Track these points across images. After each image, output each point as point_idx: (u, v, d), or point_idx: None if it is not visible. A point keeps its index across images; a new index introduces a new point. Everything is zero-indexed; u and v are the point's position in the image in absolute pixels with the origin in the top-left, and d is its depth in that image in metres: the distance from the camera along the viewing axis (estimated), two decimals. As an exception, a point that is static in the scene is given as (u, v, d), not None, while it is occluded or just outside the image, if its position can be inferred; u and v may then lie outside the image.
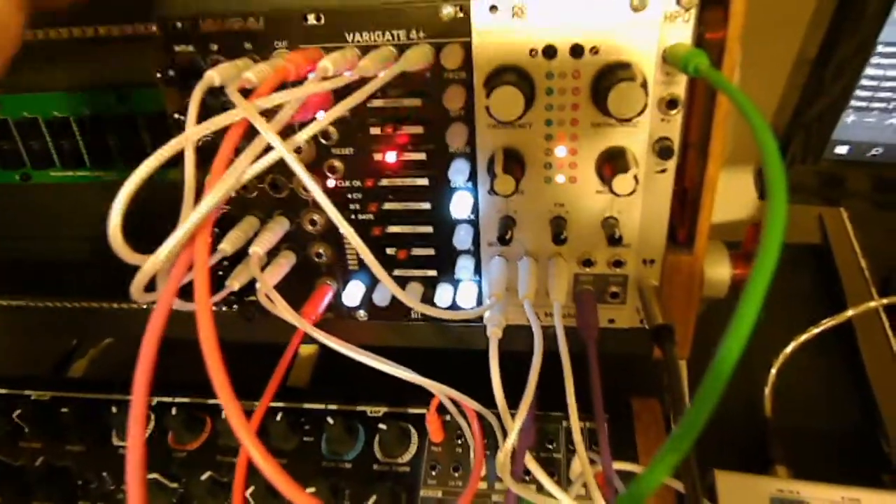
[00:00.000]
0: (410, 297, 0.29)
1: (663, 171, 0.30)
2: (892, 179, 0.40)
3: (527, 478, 0.31)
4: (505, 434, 0.37)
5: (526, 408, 0.26)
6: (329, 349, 0.57)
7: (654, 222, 0.32)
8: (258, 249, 0.31)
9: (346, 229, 0.24)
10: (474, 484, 0.30)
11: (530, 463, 0.27)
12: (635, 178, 0.28)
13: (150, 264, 0.20)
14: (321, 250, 0.36)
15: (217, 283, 0.34)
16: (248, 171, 0.20)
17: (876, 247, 0.55)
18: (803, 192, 0.43)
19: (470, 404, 0.32)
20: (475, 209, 0.33)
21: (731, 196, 0.47)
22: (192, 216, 0.19)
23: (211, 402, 0.47)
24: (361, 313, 0.38)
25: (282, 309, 0.30)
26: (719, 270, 0.35)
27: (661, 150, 0.29)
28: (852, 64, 0.36)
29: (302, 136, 0.22)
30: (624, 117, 0.27)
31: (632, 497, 0.15)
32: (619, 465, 0.37)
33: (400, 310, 0.37)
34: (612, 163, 0.29)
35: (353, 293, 0.36)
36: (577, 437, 0.27)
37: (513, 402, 0.30)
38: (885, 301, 0.49)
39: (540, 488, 0.30)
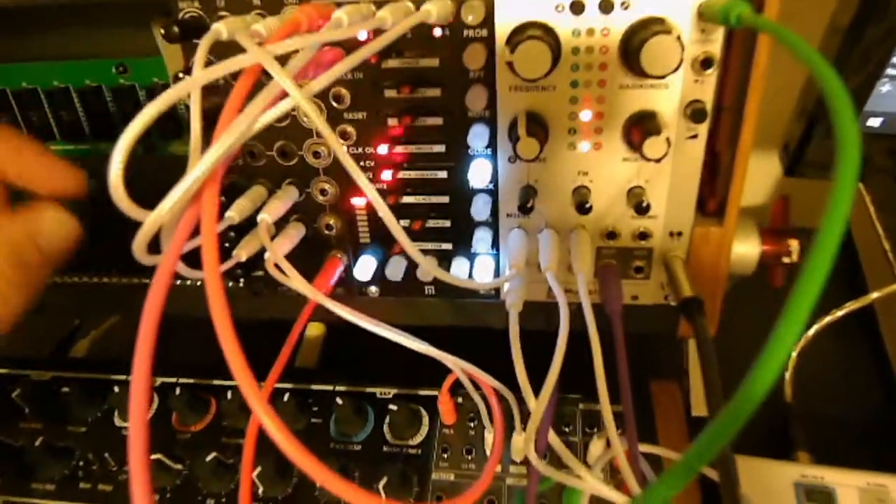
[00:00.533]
0: (430, 263, 0.27)
1: (694, 136, 0.29)
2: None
3: (545, 458, 0.30)
4: (522, 413, 0.36)
5: (554, 379, 0.24)
6: (337, 331, 0.56)
7: (683, 192, 0.30)
8: (266, 217, 0.30)
9: (361, 180, 0.22)
10: (494, 462, 0.29)
11: (553, 440, 0.25)
12: (667, 140, 0.26)
13: (153, 218, 0.18)
14: (331, 222, 0.34)
15: (224, 256, 0.32)
16: (260, 119, 0.18)
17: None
18: (820, 168, 0.41)
19: (488, 380, 0.31)
20: (494, 178, 0.32)
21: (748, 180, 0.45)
22: (199, 165, 0.18)
23: (216, 383, 0.46)
24: (373, 289, 0.37)
25: (294, 278, 0.29)
26: (747, 246, 0.34)
27: (694, 112, 0.28)
28: (892, 32, 0.34)
29: (317, 85, 0.20)
30: (658, 74, 0.25)
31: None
32: (642, 448, 0.35)
33: (413, 285, 0.36)
34: (642, 125, 0.27)
35: (365, 267, 0.35)
36: (607, 414, 0.25)
37: (530, 383, 0.29)
38: (911, 283, 0.47)
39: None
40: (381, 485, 0.38)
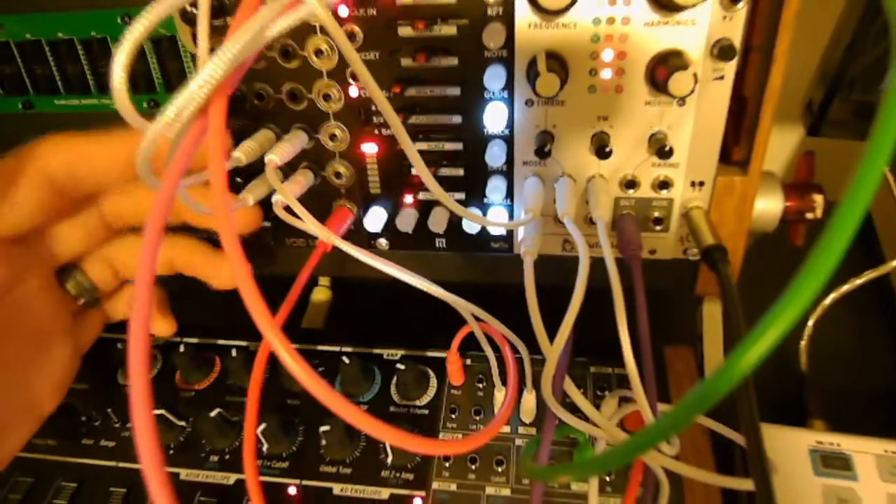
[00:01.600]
0: (451, 200, 0.26)
1: (721, 77, 0.28)
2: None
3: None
4: (535, 373, 0.35)
5: (571, 320, 0.23)
6: (344, 296, 0.55)
7: (708, 138, 0.29)
8: (274, 157, 0.29)
9: (378, 99, 0.21)
10: (507, 410, 0.28)
11: (570, 388, 0.25)
12: (695, 76, 0.25)
13: (156, 127, 0.17)
14: (341, 170, 0.33)
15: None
16: (275, 25, 0.17)
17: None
18: (848, 128, 0.40)
19: (499, 328, 0.30)
20: (510, 124, 0.31)
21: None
22: (207, 68, 0.17)
23: (220, 342, 0.45)
24: (383, 241, 0.36)
25: (306, 219, 0.28)
26: (771, 200, 0.33)
27: (721, 50, 0.26)
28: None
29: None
30: (687, 4, 0.24)
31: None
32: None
33: (424, 238, 0.35)
34: (668, 62, 0.26)
35: (375, 218, 0.34)
36: (629, 359, 0.24)
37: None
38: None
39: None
40: (388, 444, 0.38)
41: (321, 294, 0.54)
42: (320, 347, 0.44)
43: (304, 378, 0.17)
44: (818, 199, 0.33)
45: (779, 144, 0.38)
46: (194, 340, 0.45)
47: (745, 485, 0.23)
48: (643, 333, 0.26)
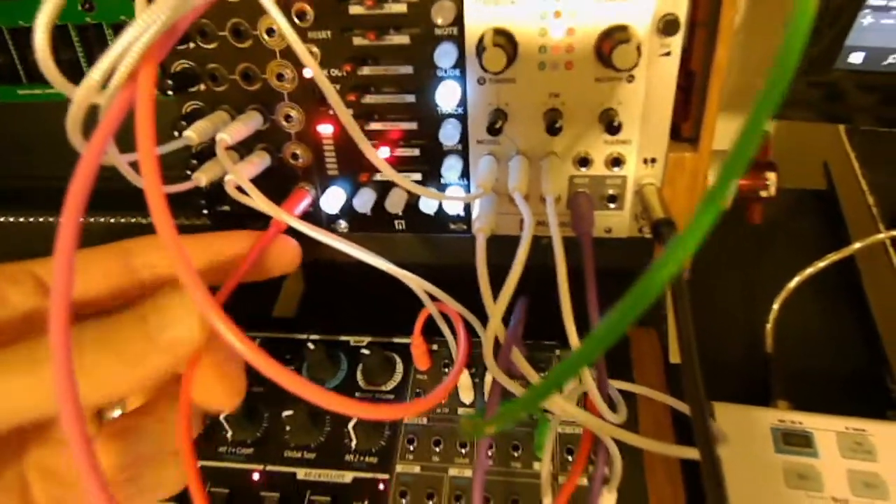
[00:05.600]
0: (402, 178, 0.26)
1: (667, 53, 0.28)
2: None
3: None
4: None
5: (513, 282, 0.24)
6: (316, 283, 0.55)
7: (657, 114, 0.29)
8: (225, 136, 0.29)
9: (325, 85, 0.21)
10: (451, 381, 0.27)
11: (517, 357, 0.25)
12: (638, 48, 0.25)
13: (82, 91, 0.17)
14: (298, 151, 0.33)
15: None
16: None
17: (882, 184, 0.53)
18: (806, 108, 0.41)
19: (454, 306, 0.30)
20: (463, 102, 0.31)
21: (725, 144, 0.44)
22: (133, 26, 0.17)
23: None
24: (342, 224, 0.36)
25: (256, 198, 0.28)
26: (724, 178, 0.33)
27: (666, 24, 0.27)
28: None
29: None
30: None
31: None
32: (618, 384, 0.35)
33: (383, 219, 0.35)
34: (613, 36, 0.26)
35: (333, 199, 0.34)
36: (571, 335, 0.24)
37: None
38: (893, 233, 0.47)
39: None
40: (350, 425, 0.38)
41: (293, 283, 0.54)
42: (287, 335, 0.44)
43: (236, 344, 0.17)
44: (771, 176, 0.33)
45: (735, 128, 0.38)
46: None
47: (691, 453, 0.24)
48: (592, 311, 0.26)
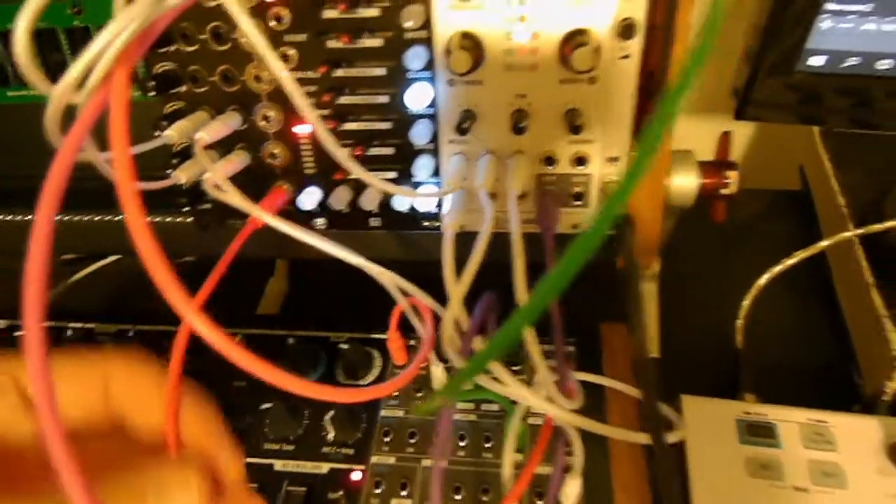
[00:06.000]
0: (371, 176, 0.27)
1: (626, 56, 0.29)
2: (868, 92, 0.39)
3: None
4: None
5: (473, 268, 0.25)
6: (297, 283, 0.56)
7: (619, 114, 0.31)
8: (204, 135, 0.30)
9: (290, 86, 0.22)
10: (414, 368, 0.28)
11: (477, 344, 0.26)
12: (596, 51, 0.27)
13: (59, 90, 0.18)
14: (276, 151, 0.34)
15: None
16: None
17: (853, 184, 0.55)
18: (780, 110, 0.42)
19: (425, 300, 0.31)
20: (435, 104, 0.32)
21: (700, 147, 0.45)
22: (110, 27, 0.18)
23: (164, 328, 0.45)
24: (320, 221, 0.37)
25: (232, 195, 0.29)
26: (686, 177, 0.34)
27: (624, 28, 0.28)
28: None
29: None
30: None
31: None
32: (586, 377, 0.36)
33: (359, 217, 0.36)
34: (573, 39, 0.28)
35: (309, 197, 0.35)
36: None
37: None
38: (859, 231, 0.48)
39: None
40: (327, 417, 0.39)
41: (278, 282, 0.55)
42: (267, 331, 0.45)
43: (211, 336, 0.18)
44: (732, 175, 0.34)
45: (710, 131, 0.39)
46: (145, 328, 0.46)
47: (643, 438, 0.25)
48: (552, 306, 0.27)
